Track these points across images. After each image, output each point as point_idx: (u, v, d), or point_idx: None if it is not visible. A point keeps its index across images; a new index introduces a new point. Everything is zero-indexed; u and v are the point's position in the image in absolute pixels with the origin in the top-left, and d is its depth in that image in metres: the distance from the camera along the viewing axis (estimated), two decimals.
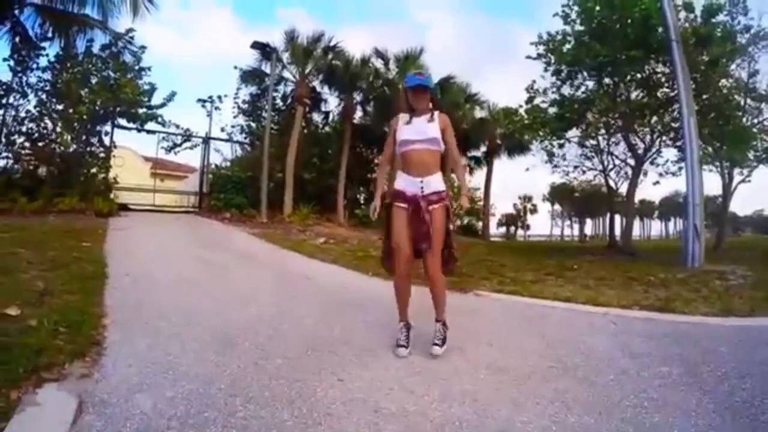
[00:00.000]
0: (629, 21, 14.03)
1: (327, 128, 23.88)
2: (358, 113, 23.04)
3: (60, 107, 15.47)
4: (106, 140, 16.59)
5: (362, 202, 23.97)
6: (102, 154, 16.39)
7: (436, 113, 3.93)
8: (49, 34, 15.40)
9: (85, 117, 15.27)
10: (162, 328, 4.09)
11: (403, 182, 3.86)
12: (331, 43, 19.77)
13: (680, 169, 17.20)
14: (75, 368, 3.03)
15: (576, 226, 73.91)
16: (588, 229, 71.96)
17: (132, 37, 16.58)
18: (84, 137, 15.95)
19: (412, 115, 3.94)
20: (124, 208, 16.21)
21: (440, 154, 3.93)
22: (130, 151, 21.65)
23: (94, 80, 16.00)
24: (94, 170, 16.09)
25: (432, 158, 3.84)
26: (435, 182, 3.81)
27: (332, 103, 22.90)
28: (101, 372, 3.04)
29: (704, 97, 15.22)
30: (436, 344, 3.75)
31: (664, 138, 17.71)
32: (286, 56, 19.80)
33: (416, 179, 3.79)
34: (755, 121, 19.21)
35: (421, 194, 3.75)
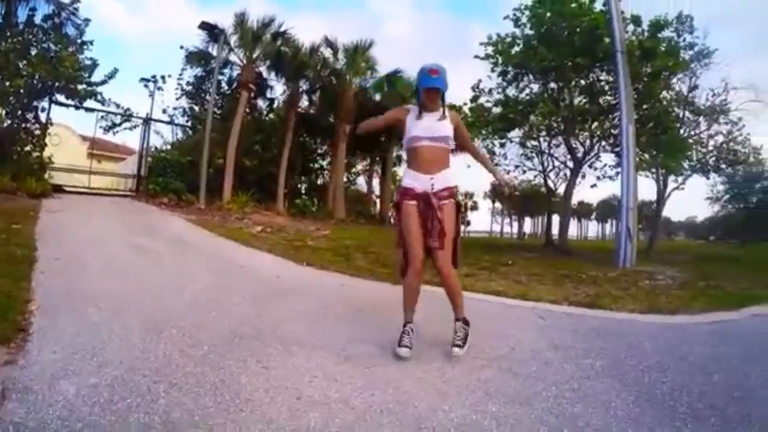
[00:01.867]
0: (577, 29, 14.34)
1: (271, 115, 23.68)
2: (304, 102, 22.92)
3: None
4: (43, 117, 16.04)
5: (303, 192, 23.82)
6: (37, 132, 15.82)
7: (448, 111, 3.81)
8: None
9: (21, 91, 14.66)
10: (90, 314, 3.98)
11: (412, 180, 3.74)
12: (281, 29, 19.64)
13: (617, 173, 17.60)
14: None
15: (515, 224, 75.39)
16: (527, 227, 73.50)
17: (76, 9, 16.07)
18: (19, 113, 15.32)
19: (422, 111, 3.77)
20: (59, 189, 15.57)
21: (449, 151, 3.82)
22: (67, 130, 20.92)
23: (33, 52, 15.38)
24: (28, 148, 15.51)
25: (442, 155, 3.75)
26: (446, 178, 3.72)
27: (278, 90, 22.75)
28: (26, 358, 2.96)
29: (644, 106, 15.67)
30: (457, 345, 3.57)
31: (603, 143, 18.15)
32: (234, 39, 19.52)
33: (426, 176, 3.68)
34: (692, 132, 19.95)
35: (432, 191, 3.64)
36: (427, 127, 3.69)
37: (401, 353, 3.45)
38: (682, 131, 18.68)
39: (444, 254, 3.60)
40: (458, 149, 4.09)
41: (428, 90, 3.70)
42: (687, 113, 19.18)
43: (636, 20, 15.40)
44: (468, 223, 77.80)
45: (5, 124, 14.98)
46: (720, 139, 20.43)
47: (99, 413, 2.37)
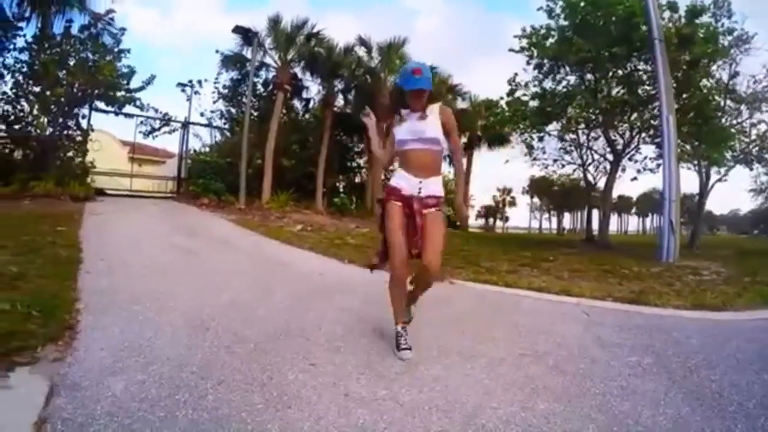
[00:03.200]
0: (613, 18, 14.10)
1: (307, 116, 23.71)
2: (339, 101, 22.92)
3: (37, 89, 15.13)
4: (84, 123, 16.30)
5: (341, 190, 23.89)
6: (79, 138, 16.09)
7: (435, 107, 3.63)
8: (27, 14, 15.09)
9: (62, 99, 14.95)
10: (135, 312, 4.04)
11: (400, 180, 3.60)
12: (315, 30, 19.64)
13: (658, 166, 17.35)
14: (47, 352, 3.00)
15: (554, 220, 74.67)
16: (566, 222, 72.82)
17: (112, 19, 16.33)
18: (61, 120, 15.59)
19: (405, 113, 3.66)
20: (101, 193, 15.95)
21: (441, 153, 3.68)
22: (108, 135, 21.33)
23: (72, 62, 15.65)
24: (70, 154, 15.82)
25: (432, 160, 3.60)
26: (434, 186, 3.57)
27: (313, 90, 22.74)
28: (74, 356, 3.00)
29: (684, 96, 15.35)
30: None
31: (643, 135, 17.83)
32: (268, 42, 19.59)
33: (414, 179, 3.53)
34: (734, 122, 19.36)
35: (418, 195, 3.50)
36: (413, 129, 3.57)
37: (404, 356, 3.38)
38: (723, 120, 18.19)
39: (434, 250, 3.42)
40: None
41: (413, 91, 3.55)
42: (728, 101, 18.64)
43: (672, 6, 15.11)
44: (506, 219, 77.35)
45: (48, 132, 15.29)
46: (763, 127, 19.74)
47: (147, 409, 2.41)
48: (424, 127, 3.54)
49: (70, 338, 3.28)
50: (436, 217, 3.50)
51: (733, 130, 18.89)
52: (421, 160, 3.57)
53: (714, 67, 16.94)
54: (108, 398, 2.48)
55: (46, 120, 15.20)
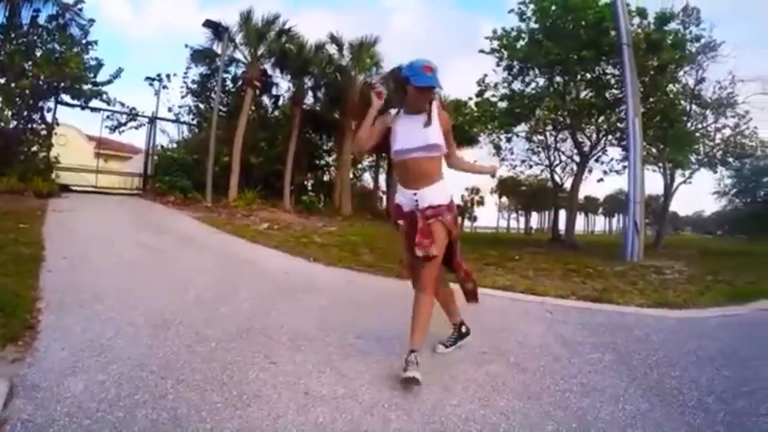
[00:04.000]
0: (583, 22, 14.31)
1: (276, 113, 23.56)
2: (309, 99, 22.83)
3: (1, 81, 14.75)
4: (49, 117, 15.94)
5: (309, 188, 23.80)
6: (43, 132, 15.75)
7: (435, 111, 3.30)
8: None
9: (27, 92, 14.65)
10: (97, 311, 3.99)
11: (401, 196, 3.40)
12: (286, 26, 19.53)
13: (624, 167, 17.61)
14: (7, 352, 2.97)
15: (522, 219, 75.47)
16: (534, 222, 73.67)
17: (80, 9, 15.98)
18: (25, 113, 15.25)
19: (406, 113, 3.36)
20: (66, 189, 15.58)
21: (441, 158, 3.40)
22: (74, 130, 21.02)
23: (38, 53, 15.32)
24: (34, 149, 15.48)
25: (430, 166, 3.31)
26: (431, 194, 3.26)
27: (283, 87, 22.60)
28: (34, 356, 2.98)
29: (651, 100, 15.66)
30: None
31: (609, 137, 18.14)
32: (239, 37, 19.39)
33: (409, 192, 3.31)
34: (699, 126, 19.77)
35: (417, 208, 3.27)
36: (412, 135, 3.27)
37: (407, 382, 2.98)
38: (689, 124, 18.56)
39: (426, 273, 3.23)
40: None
41: (423, 89, 3.22)
42: (694, 106, 18.98)
43: (642, 13, 15.36)
44: (474, 219, 77.74)
45: (11, 125, 14.93)
46: (727, 132, 20.23)
47: (106, 409, 2.38)
48: (429, 133, 3.25)
49: (31, 338, 3.24)
50: (435, 228, 3.23)
51: (697, 134, 19.32)
52: (418, 168, 3.29)
53: (681, 73, 17.28)
54: (68, 399, 2.46)
55: (10, 113, 14.84)
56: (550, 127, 19.59)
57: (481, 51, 17.27)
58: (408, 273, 3.59)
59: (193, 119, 21.91)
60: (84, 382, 2.65)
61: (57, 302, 4.10)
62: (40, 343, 3.18)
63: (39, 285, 4.58)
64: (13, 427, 2.18)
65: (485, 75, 18.15)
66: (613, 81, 16.19)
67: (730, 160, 21.96)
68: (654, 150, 18.11)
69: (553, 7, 14.94)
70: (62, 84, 15.62)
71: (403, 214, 3.38)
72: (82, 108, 16.92)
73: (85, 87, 16.33)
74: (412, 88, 3.21)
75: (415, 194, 3.28)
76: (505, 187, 57.29)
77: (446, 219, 3.28)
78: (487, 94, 18.00)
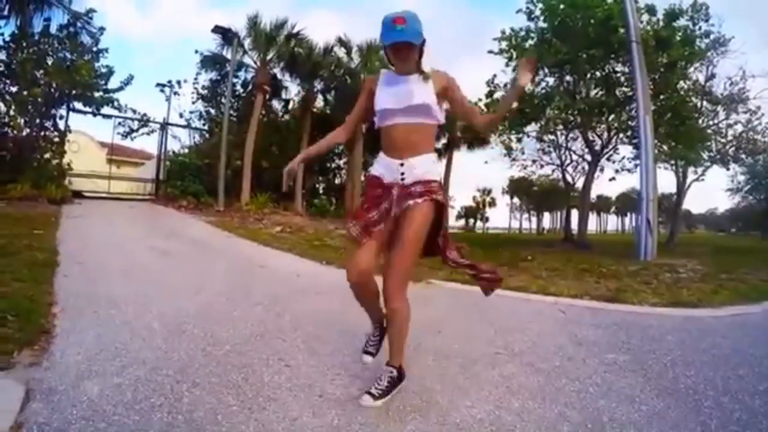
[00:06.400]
0: (591, 20, 14.27)
1: (287, 116, 23.68)
2: (319, 102, 22.93)
3: (14, 89, 14.95)
4: (61, 124, 16.24)
5: (321, 191, 23.84)
6: (56, 139, 15.97)
7: (432, 73, 2.75)
8: (5, 12, 14.78)
9: (39, 100, 14.80)
10: (112, 316, 4.00)
11: (381, 166, 2.83)
12: (294, 30, 19.67)
13: (636, 166, 17.49)
14: (23, 357, 2.96)
15: (534, 220, 75.26)
16: (546, 222, 73.44)
17: (91, 18, 16.17)
18: (38, 121, 15.44)
19: (387, 75, 2.85)
20: (79, 195, 15.80)
21: (434, 128, 2.80)
22: (86, 136, 21.16)
23: (50, 61, 15.50)
24: (47, 156, 15.61)
25: (420, 135, 2.73)
26: (421, 166, 2.71)
27: (293, 91, 22.73)
28: (50, 360, 2.97)
29: (661, 97, 15.58)
30: (370, 393, 2.64)
31: (620, 135, 18.07)
32: (247, 42, 19.54)
33: (395, 162, 2.73)
34: (710, 122, 19.68)
35: (401, 183, 2.71)
36: (398, 94, 2.72)
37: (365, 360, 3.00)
38: (700, 121, 18.45)
39: (395, 275, 2.73)
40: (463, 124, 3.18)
41: (394, 47, 2.66)
42: (705, 103, 18.93)
43: (651, 10, 15.32)
44: (486, 220, 77.61)
45: (24, 133, 15.13)
46: (739, 128, 20.14)
47: (122, 413, 2.39)
48: (416, 92, 2.69)
49: (47, 342, 3.24)
50: (417, 213, 2.64)
51: (709, 131, 19.22)
52: (406, 136, 2.72)
53: (691, 69, 17.21)
54: (84, 402, 2.46)
55: (22, 120, 15.02)
56: (560, 127, 19.55)
57: (490, 51, 17.28)
58: (361, 260, 2.74)
59: (204, 124, 22.12)
60: (100, 386, 2.65)
61: (72, 307, 4.11)
62: (56, 347, 3.19)
63: (54, 290, 4.60)
64: (29, 431, 2.18)
65: (494, 75, 18.15)
66: (623, 79, 16.17)
67: (743, 156, 21.84)
68: (665, 147, 18.00)
69: (561, 6, 14.91)
70: (74, 91, 15.85)
71: (384, 186, 2.77)
72: (94, 115, 17.23)
73: (97, 94, 16.59)
74: (386, 49, 2.73)
75: (401, 164, 2.72)
76: (517, 187, 57.22)
77: (440, 197, 2.70)
78: (497, 95, 17.94)
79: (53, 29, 15.52)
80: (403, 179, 2.71)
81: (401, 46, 2.63)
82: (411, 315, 2.80)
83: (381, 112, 2.77)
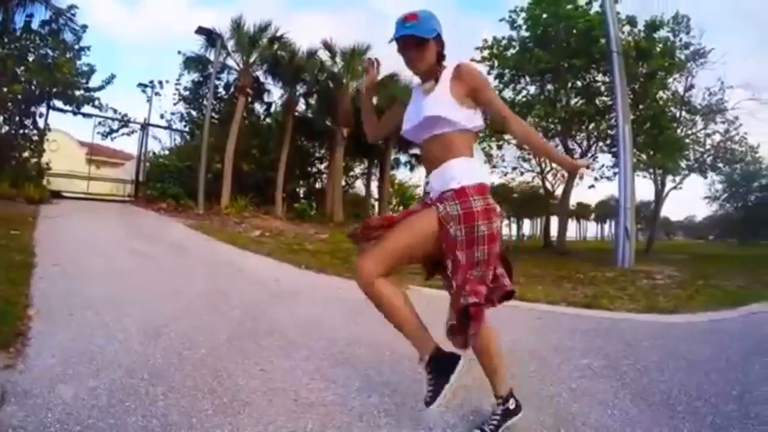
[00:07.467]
0: (573, 30, 14.46)
1: (269, 120, 23.64)
2: (302, 106, 22.91)
3: None
4: (41, 122, 16.04)
5: (301, 196, 23.78)
6: (35, 137, 15.81)
7: (449, 70, 2.40)
8: None
9: (19, 97, 14.63)
10: (88, 318, 3.98)
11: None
12: (278, 33, 19.58)
13: (615, 174, 17.72)
14: None
15: (514, 227, 75.51)
16: (526, 229, 73.59)
17: (74, 14, 16.03)
18: (17, 118, 15.30)
19: (419, 86, 2.54)
20: (57, 195, 15.55)
21: (458, 135, 2.34)
22: (65, 135, 20.91)
23: (30, 58, 15.37)
24: (26, 154, 15.53)
25: (442, 146, 2.35)
26: (439, 179, 2.33)
27: (275, 94, 22.59)
28: (25, 363, 2.96)
29: (641, 107, 15.83)
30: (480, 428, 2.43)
31: (600, 144, 18.36)
32: (231, 44, 19.42)
33: (426, 179, 2.47)
34: (689, 132, 20.02)
35: (433, 199, 2.36)
36: (414, 111, 2.47)
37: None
38: (678, 131, 18.75)
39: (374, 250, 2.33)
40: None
41: (401, 44, 2.40)
42: (683, 113, 19.25)
43: (632, 21, 15.53)
44: None
45: (3, 131, 14.97)
46: (717, 138, 20.59)
47: (97, 416, 2.37)
48: (425, 104, 2.37)
49: (22, 345, 3.22)
50: (420, 216, 2.33)
51: (687, 140, 19.52)
52: (429, 151, 2.42)
53: (670, 80, 17.48)
54: (59, 406, 2.45)
55: (1, 118, 14.89)
56: (541, 134, 19.68)
57: (473, 60, 17.37)
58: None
59: (185, 126, 21.96)
60: (75, 389, 2.64)
61: (48, 309, 4.07)
62: (31, 349, 3.16)
63: (30, 292, 4.55)
64: None
65: None
66: (603, 88, 16.40)
67: (720, 165, 22.22)
68: (644, 156, 18.26)
69: (544, 16, 15.09)
70: (54, 89, 15.65)
71: (425, 204, 2.44)
72: (74, 113, 17.04)
73: (78, 93, 16.44)
74: (398, 49, 2.45)
75: (428, 182, 2.44)
76: (497, 194, 57.39)
77: (447, 209, 2.21)
78: None
79: (35, 25, 15.40)
80: (431, 198, 2.39)
81: (408, 42, 2.36)
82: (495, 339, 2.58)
83: (404, 133, 2.52)
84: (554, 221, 24.71)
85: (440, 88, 2.35)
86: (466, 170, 2.29)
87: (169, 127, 21.30)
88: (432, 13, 2.40)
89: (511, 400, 2.52)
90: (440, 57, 2.44)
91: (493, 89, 2.42)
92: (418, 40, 2.34)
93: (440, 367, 2.32)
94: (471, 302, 2.20)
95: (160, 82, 20.67)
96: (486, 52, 17.13)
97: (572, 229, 67.53)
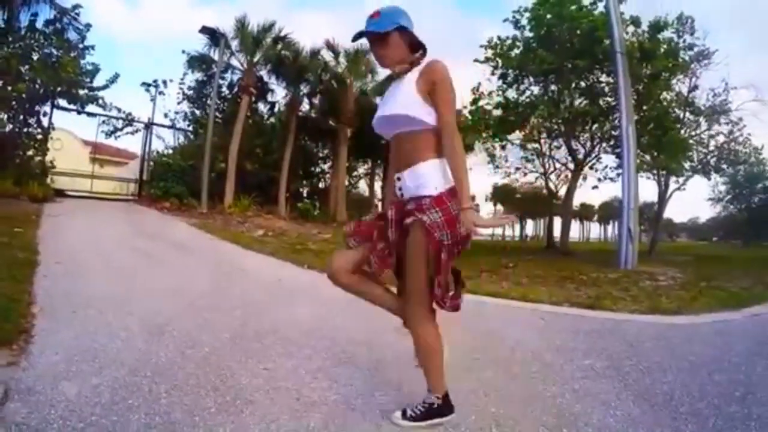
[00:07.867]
0: (577, 31, 14.41)
1: (272, 119, 23.66)
2: (305, 106, 22.91)
3: None
4: (45, 121, 16.09)
5: (305, 195, 23.79)
6: (39, 136, 15.87)
7: (421, 66, 2.40)
8: None
9: (23, 96, 14.71)
10: (91, 316, 3.98)
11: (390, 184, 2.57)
12: (282, 33, 19.59)
13: (618, 175, 17.66)
14: (1, 356, 2.94)
15: (517, 227, 75.41)
16: (529, 229, 73.47)
17: (78, 14, 16.08)
18: (21, 117, 15.34)
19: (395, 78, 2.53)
20: (61, 194, 15.60)
21: (427, 133, 2.33)
22: (69, 134, 20.93)
23: (35, 57, 15.39)
24: (30, 153, 15.56)
25: (412, 144, 2.35)
26: (412, 180, 2.35)
27: (279, 94, 22.68)
28: (28, 360, 2.96)
29: (645, 108, 15.73)
30: (403, 410, 2.49)
31: (603, 145, 18.25)
32: (235, 43, 19.43)
33: (395, 178, 2.46)
34: (692, 133, 19.94)
35: (401, 199, 2.43)
36: (383, 104, 2.52)
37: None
38: (682, 132, 18.66)
39: (409, 304, 2.48)
40: None
41: (369, 41, 2.46)
42: (687, 114, 19.17)
43: (635, 21, 15.47)
44: None
45: (7, 129, 14.99)
46: (721, 139, 20.49)
47: (101, 413, 2.37)
48: (394, 97, 2.42)
49: (25, 342, 3.22)
50: (410, 237, 2.31)
51: (691, 142, 19.45)
52: (399, 146, 2.42)
53: (674, 81, 17.42)
54: (62, 403, 2.45)
55: (6, 117, 14.90)
56: (544, 135, 19.73)
57: (476, 60, 17.38)
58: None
59: (189, 125, 22.00)
60: (78, 387, 2.64)
61: (51, 307, 4.08)
62: (35, 347, 3.16)
63: (33, 289, 4.56)
64: (7, 430, 2.17)
65: (479, 83, 18.23)
66: (606, 89, 16.30)
67: (724, 166, 22.16)
68: (648, 157, 18.19)
69: (548, 16, 15.05)
70: (58, 88, 15.67)
71: (395, 204, 2.46)
72: (78, 113, 17.10)
73: (81, 92, 16.44)
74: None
75: (398, 178, 2.42)
76: (500, 194, 57.35)
77: (431, 218, 2.24)
78: (482, 102, 18.03)
79: (39, 24, 15.44)
80: (402, 195, 2.41)
81: (370, 40, 2.43)
82: (441, 343, 2.59)
83: (373, 126, 2.54)
84: (557, 222, 24.70)
85: (408, 85, 2.36)
86: (440, 175, 2.34)
87: (172, 127, 21.39)
88: (397, 8, 2.46)
89: (440, 400, 2.49)
90: (414, 48, 2.47)
91: (453, 93, 2.35)
92: (379, 36, 2.38)
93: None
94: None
95: (164, 82, 20.71)
96: (490, 52, 17.08)
97: (575, 230, 67.38)
